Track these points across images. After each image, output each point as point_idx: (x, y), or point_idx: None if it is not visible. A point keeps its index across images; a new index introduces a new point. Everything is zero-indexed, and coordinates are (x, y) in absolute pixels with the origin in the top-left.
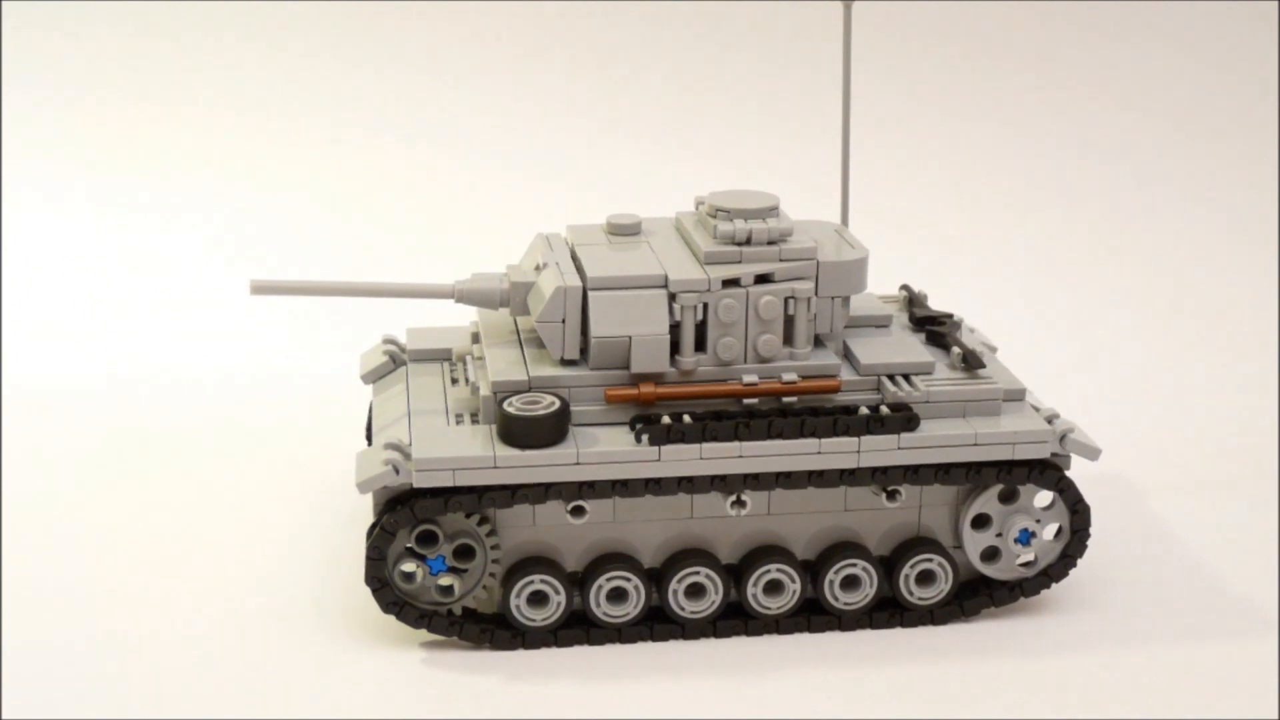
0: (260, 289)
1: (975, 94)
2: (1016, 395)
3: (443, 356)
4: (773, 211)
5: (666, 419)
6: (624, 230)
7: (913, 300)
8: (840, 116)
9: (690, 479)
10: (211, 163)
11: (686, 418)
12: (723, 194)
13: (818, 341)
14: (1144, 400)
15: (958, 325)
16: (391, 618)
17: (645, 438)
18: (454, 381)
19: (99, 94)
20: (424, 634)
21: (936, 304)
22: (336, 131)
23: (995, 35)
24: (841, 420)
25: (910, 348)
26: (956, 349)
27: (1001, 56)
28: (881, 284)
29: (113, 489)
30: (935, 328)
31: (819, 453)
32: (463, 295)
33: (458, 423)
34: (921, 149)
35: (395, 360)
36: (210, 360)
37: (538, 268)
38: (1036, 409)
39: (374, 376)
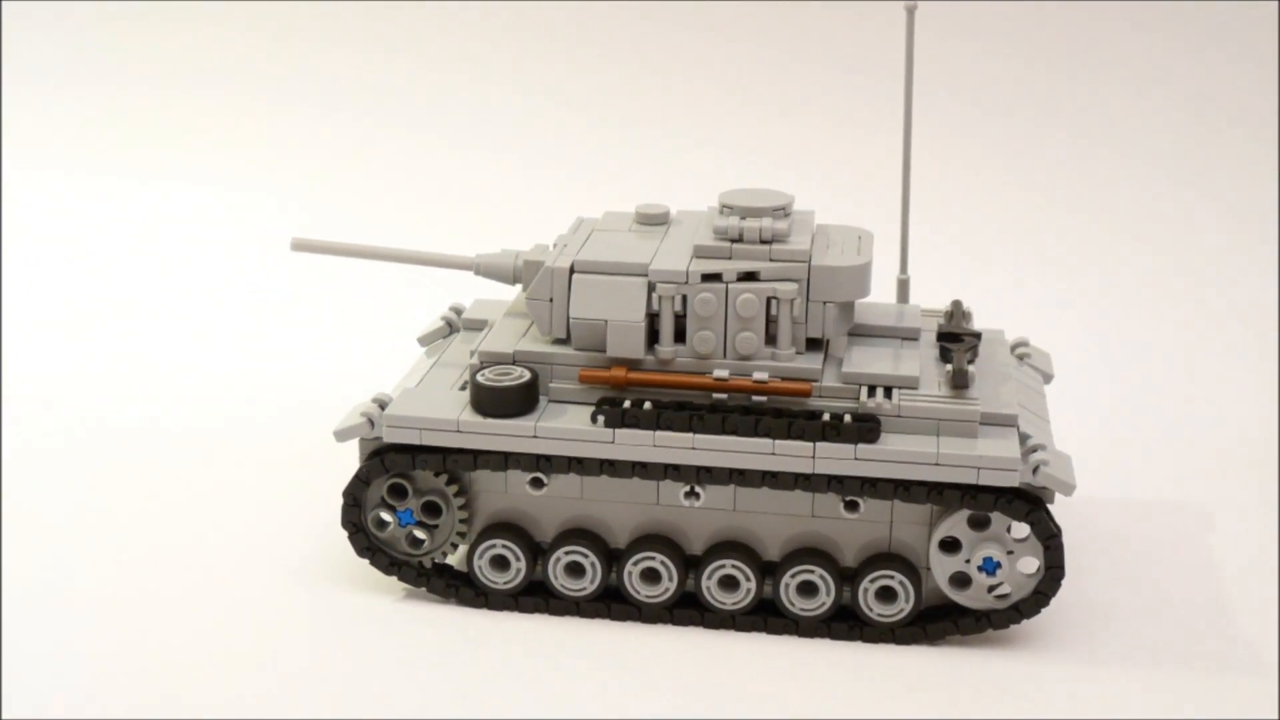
0: (300, 246)
1: (1053, 105)
2: (1004, 420)
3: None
4: (779, 211)
5: (629, 404)
6: (650, 219)
7: (951, 315)
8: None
9: (644, 465)
10: (262, 149)
11: (648, 404)
12: (736, 191)
13: (813, 344)
14: (1208, 433)
15: (972, 345)
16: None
17: (601, 419)
18: None
19: (118, 78)
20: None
21: (1011, 325)
22: (401, 122)
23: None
24: (797, 424)
25: (906, 361)
26: (949, 367)
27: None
28: (942, 298)
29: (130, 464)
30: (948, 344)
31: (773, 454)
32: (481, 269)
33: (462, 388)
34: (1007, 164)
35: (452, 326)
36: (250, 329)
37: (554, 247)
38: (1027, 437)
39: (428, 340)
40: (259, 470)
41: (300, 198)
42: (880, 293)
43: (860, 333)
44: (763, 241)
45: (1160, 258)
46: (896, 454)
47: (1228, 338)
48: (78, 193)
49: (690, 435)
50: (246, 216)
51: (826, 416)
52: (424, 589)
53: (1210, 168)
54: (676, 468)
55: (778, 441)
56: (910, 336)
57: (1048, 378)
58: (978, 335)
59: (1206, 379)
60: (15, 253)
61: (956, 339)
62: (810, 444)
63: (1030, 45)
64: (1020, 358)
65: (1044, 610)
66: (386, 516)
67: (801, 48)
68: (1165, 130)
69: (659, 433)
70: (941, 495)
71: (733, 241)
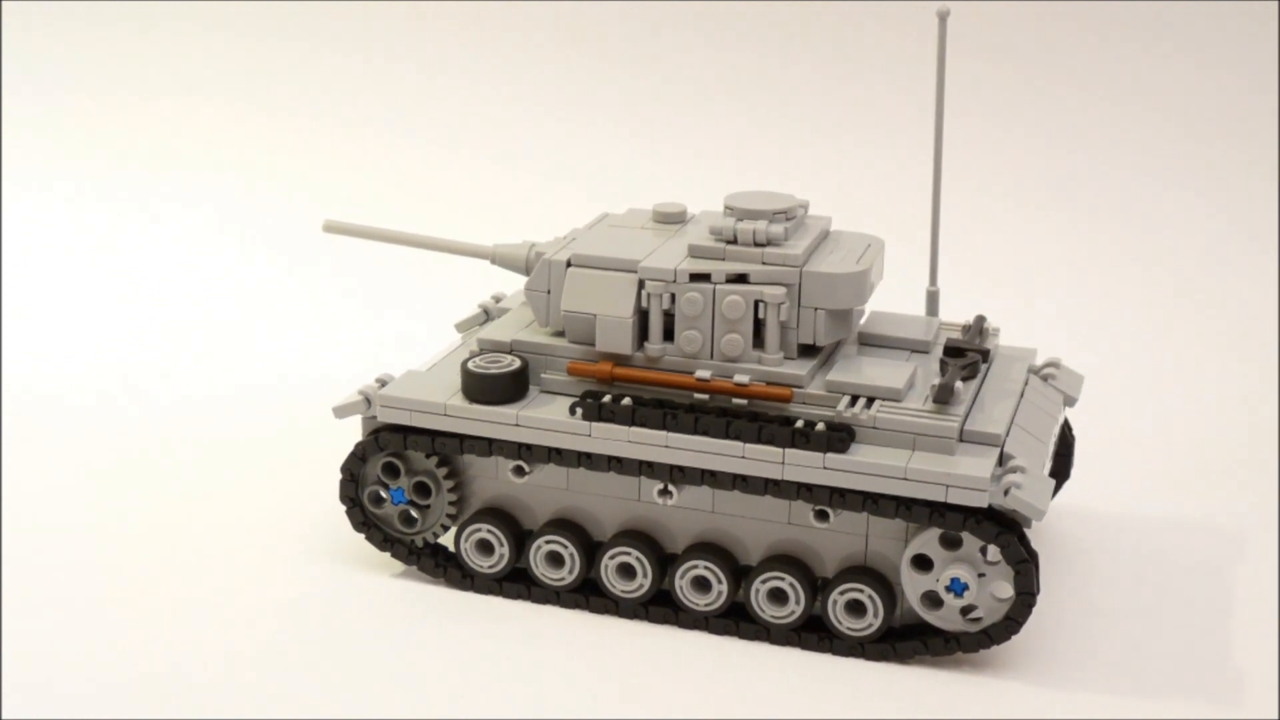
0: (331, 228)
1: (1106, 119)
2: (987, 439)
3: None
4: (779, 214)
5: (609, 398)
6: (666, 218)
7: (966, 330)
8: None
9: (620, 460)
10: (288, 154)
11: (626, 400)
12: (742, 193)
13: (809, 351)
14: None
15: (972, 361)
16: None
17: (580, 411)
18: None
19: (129, 74)
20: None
21: (1051, 344)
22: (438, 124)
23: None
24: (768, 429)
25: (896, 372)
26: (935, 381)
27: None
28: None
29: (145, 446)
30: (947, 359)
31: (743, 457)
32: (497, 258)
33: None
34: (1062, 180)
35: (488, 314)
36: (283, 314)
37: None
38: (1010, 457)
39: (464, 327)
40: (281, 450)
41: (340, 196)
42: (911, 304)
43: (873, 342)
44: (756, 244)
45: (1211, 278)
46: (864, 465)
47: (1271, 359)
48: (96, 190)
49: (664, 433)
50: (274, 212)
51: (800, 423)
52: (415, 567)
53: (1263, 189)
54: (650, 465)
55: (748, 445)
56: (920, 349)
57: (1070, 400)
58: (983, 352)
59: (1247, 400)
60: (53, 235)
61: (959, 354)
62: (780, 449)
63: (1080, 51)
64: (1045, 378)
65: (1033, 629)
66: (383, 494)
67: (849, 55)
68: (1218, 143)
69: (634, 429)
70: (911, 511)
71: (727, 243)
